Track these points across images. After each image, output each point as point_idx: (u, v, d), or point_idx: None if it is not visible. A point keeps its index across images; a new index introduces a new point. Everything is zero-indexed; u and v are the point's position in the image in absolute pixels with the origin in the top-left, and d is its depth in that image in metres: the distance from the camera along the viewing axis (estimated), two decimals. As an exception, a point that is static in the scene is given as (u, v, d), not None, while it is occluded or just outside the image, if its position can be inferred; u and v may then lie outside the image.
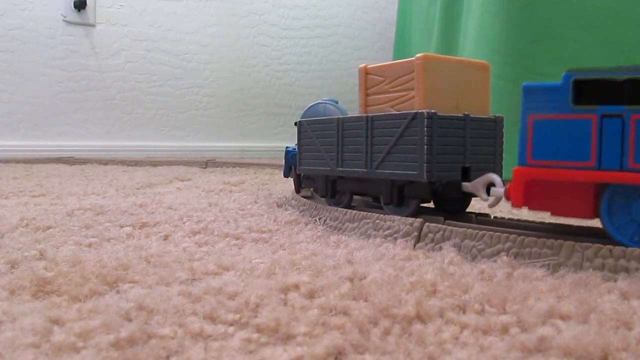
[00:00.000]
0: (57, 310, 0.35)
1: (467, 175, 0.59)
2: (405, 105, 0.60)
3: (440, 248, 0.53)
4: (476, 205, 0.66)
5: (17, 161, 1.67)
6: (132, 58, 2.08)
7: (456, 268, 0.46)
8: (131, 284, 0.41)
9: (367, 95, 0.65)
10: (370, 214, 0.63)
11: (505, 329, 0.33)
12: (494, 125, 0.63)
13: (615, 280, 0.41)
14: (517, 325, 0.33)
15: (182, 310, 0.35)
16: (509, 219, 0.61)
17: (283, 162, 0.97)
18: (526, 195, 0.48)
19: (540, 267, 0.46)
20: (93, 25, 2.01)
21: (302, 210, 0.76)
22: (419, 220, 0.57)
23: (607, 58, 1.20)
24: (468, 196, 0.62)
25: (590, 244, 0.45)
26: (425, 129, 0.56)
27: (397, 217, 0.60)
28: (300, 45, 2.42)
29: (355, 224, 0.64)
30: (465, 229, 0.53)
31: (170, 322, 0.33)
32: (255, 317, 0.34)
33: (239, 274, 0.44)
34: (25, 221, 0.66)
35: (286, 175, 0.92)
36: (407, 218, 0.58)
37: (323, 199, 0.73)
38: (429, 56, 0.59)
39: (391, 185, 0.62)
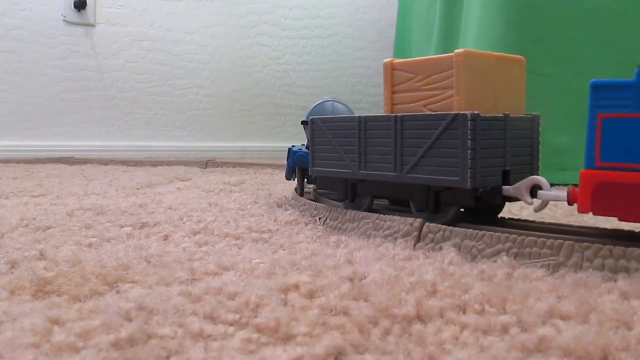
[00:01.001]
0: (57, 310, 0.35)
1: (507, 178, 0.55)
2: (442, 105, 0.55)
3: (440, 248, 0.53)
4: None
5: (17, 161, 1.67)
6: (132, 58, 2.08)
7: (456, 268, 0.46)
8: (131, 284, 0.41)
9: (393, 92, 0.60)
10: (370, 213, 0.63)
11: (505, 329, 0.33)
12: (531, 125, 0.59)
13: (615, 280, 0.41)
14: (517, 325, 0.33)
15: (182, 310, 0.35)
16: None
17: (285, 163, 0.92)
18: (594, 199, 0.45)
19: (540, 267, 0.46)
20: (93, 25, 2.01)
21: (302, 210, 0.76)
22: (419, 220, 0.57)
23: (607, 58, 1.20)
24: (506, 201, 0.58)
25: (590, 244, 0.45)
26: (469, 131, 0.52)
27: (397, 217, 0.60)
28: (300, 45, 2.42)
29: (355, 224, 0.64)
30: (465, 229, 0.53)
31: (170, 322, 0.33)
32: (255, 317, 0.34)
33: (239, 274, 0.44)
34: (25, 221, 0.66)
35: (288, 177, 0.87)
36: (407, 218, 0.58)
37: (340, 202, 0.69)
38: (469, 52, 0.54)
39: (427, 191, 0.57)
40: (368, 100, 2.51)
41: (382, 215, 0.61)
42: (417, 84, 0.58)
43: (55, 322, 0.33)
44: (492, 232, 0.51)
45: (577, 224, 0.57)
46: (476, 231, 0.52)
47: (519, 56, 0.60)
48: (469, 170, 0.52)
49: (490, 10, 1.29)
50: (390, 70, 0.61)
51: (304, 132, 0.91)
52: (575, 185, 0.47)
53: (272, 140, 2.37)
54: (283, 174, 1.52)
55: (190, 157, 1.99)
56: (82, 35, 2.00)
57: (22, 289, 0.39)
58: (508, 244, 0.49)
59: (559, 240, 0.47)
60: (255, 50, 2.32)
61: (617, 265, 0.43)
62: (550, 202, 0.52)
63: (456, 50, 0.54)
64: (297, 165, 0.81)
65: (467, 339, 0.32)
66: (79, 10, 1.97)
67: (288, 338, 0.31)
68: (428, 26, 1.80)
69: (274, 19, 2.35)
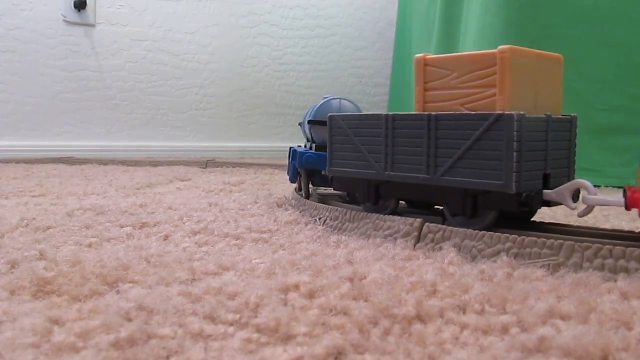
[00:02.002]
0: (57, 310, 0.35)
1: (547, 182, 0.53)
2: (482, 105, 0.52)
3: (440, 248, 0.53)
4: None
5: (17, 161, 1.67)
6: (132, 58, 2.08)
7: (456, 268, 0.46)
8: (131, 284, 0.41)
9: (425, 90, 0.57)
10: (370, 214, 0.63)
11: (505, 329, 0.33)
12: (570, 126, 0.56)
13: (615, 280, 0.41)
14: (517, 325, 0.33)
15: (182, 310, 0.35)
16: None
17: (287, 163, 0.90)
18: None
19: (540, 267, 0.46)
20: (93, 25, 2.01)
21: (302, 210, 0.76)
22: (419, 220, 0.57)
23: (607, 58, 1.20)
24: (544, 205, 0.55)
25: (590, 244, 0.45)
26: (515, 133, 0.49)
27: (397, 217, 0.59)
28: (300, 45, 2.42)
29: (355, 223, 0.64)
30: (465, 229, 0.53)
31: (170, 322, 0.33)
32: (255, 317, 0.34)
33: (239, 274, 0.44)
34: (25, 221, 0.66)
35: (293, 180, 0.84)
36: (407, 218, 0.58)
37: (361, 204, 0.66)
38: (514, 49, 0.52)
39: (464, 195, 0.54)
40: (368, 100, 2.51)
41: (381, 215, 0.61)
42: (454, 81, 0.54)
43: (55, 322, 0.33)
44: (492, 232, 0.51)
45: (576, 224, 0.57)
46: (476, 231, 0.52)
47: (557, 54, 0.57)
48: (514, 173, 0.49)
49: (490, 10, 1.29)
50: (423, 66, 0.57)
51: (302, 133, 0.90)
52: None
53: (272, 140, 2.37)
54: (283, 174, 1.52)
55: (190, 157, 1.99)
56: (82, 35, 2.00)
57: (22, 289, 0.39)
58: (508, 244, 0.49)
59: (559, 241, 0.47)
60: (255, 50, 2.32)
61: (617, 265, 0.43)
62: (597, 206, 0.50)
63: (500, 47, 0.51)
64: (304, 167, 0.77)
65: (467, 339, 0.32)
66: (79, 10, 1.97)
67: (288, 338, 0.31)
68: (428, 26, 1.80)
69: (274, 19, 2.35)
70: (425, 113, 0.56)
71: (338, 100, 0.78)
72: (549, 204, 0.53)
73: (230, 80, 2.28)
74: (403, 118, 0.58)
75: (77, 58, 2.00)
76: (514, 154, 0.49)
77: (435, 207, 0.65)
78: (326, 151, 0.71)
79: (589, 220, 0.69)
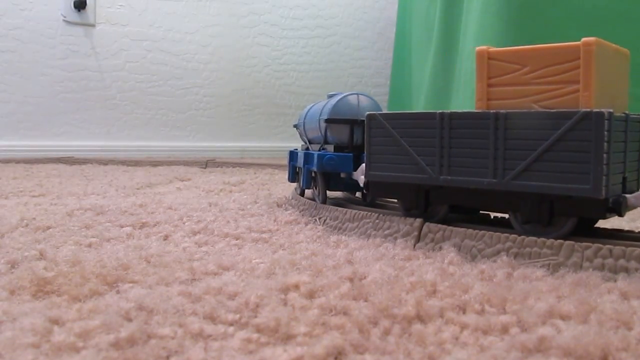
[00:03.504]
0: (57, 310, 0.35)
1: (624, 186, 0.49)
2: (560, 102, 0.48)
3: (440, 248, 0.53)
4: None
5: (17, 161, 1.67)
6: (132, 58, 2.08)
7: (456, 268, 0.46)
8: (131, 284, 0.41)
9: (489, 86, 0.52)
10: (370, 213, 0.63)
11: (505, 329, 0.33)
12: None
13: (615, 280, 0.41)
14: (517, 325, 0.33)
15: (182, 310, 0.35)
16: None
17: (288, 165, 0.88)
18: None
19: (540, 267, 0.46)
20: (93, 25, 2.01)
21: (302, 210, 0.76)
22: (419, 220, 0.57)
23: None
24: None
25: (590, 244, 0.45)
26: (606, 132, 0.44)
27: (396, 217, 0.59)
28: (300, 45, 2.42)
29: (355, 223, 0.64)
30: (465, 229, 0.53)
31: (170, 322, 0.33)
32: (255, 317, 0.34)
33: (239, 274, 0.44)
34: (25, 221, 0.66)
35: (308, 186, 0.78)
36: (407, 218, 0.58)
37: (405, 212, 0.60)
38: (600, 41, 0.47)
39: (539, 201, 0.49)
40: (368, 100, 2.51)
41: (382, 215, 0.61)
42: (525, 76, 0.50)
43: (55, 322, 0.33)
44: (492, 232, 0.51)
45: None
46: (476, 231, 0.52)
47: (625, 49, 0.53)
48: (603, 177, 0.44)
49: (490, 10, 1.29)
50: (486, 60, 0.52)
51: (300, 136, 0.88)
52: None
53: (271, 140, 2.37)
54: (283, 174, 1.52)
55: (190, 157, 1.99)
56: (82, 35, 2.00)
57: (22, 289, 0.39)
58: (508, 244, 0.49)
59: (559, 240, 0.47)
60: (255, 50, 2.32)
61: (617, 265, 0.43)
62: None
63: (584, 39, 0.46)
64: (325, 170, 0.70)
65: (467, 339, 0.32)
66: (79, 10, 1.97)
67: (288, 338, 0.31)
68: (428, 26, 1.80)
69: (274, 19, 2.35)
70: (492, 111, 0.50)
71: (355, 95, 0.73)
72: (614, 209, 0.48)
73: (230, 80, 2.28)
74: (463, 117, 0.53)
75: (77, 58, 2.00)
76: (604, 155, 0.44)
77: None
78: (346, 152, 0.68)
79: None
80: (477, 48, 0.53)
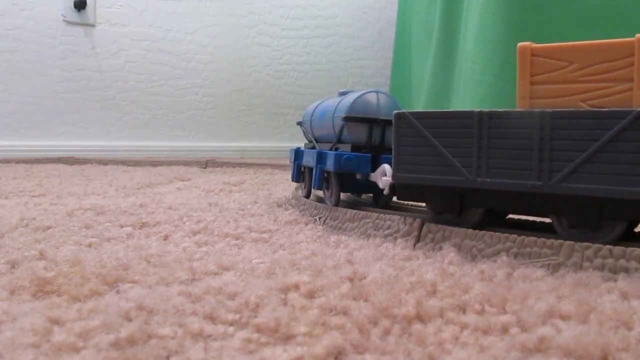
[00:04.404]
0: (57, 310, 0.35)
1: None
2: (610, 101, 0.46)
3: (440, 248, 0.53)
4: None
5: (17, 161, 1.67)
6: (132, 58, 2.08)
7: (456, 268, 0.46)
8: (131, 284, 0.41)
9: (531, 84, 0.50)
10: (370, 213, 0.63)
11: (505, 329, 0.33)
12: None
13: (615, 280, 0.41)
14: (517, 325, 0.33)
15: (182, 310, 0.35)
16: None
17: (292, 165, 0.85)
18: None
19: (540, 267, 0.46)
20: (93, 25, 2.01)
21: (302, 210, 0.76)
22: (419, 219, 0.57)
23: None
24: None
25: (590, 244, 0.45)
26: None
27: (396, 217, 0.59)
28: (300, 45, 2.42)
29: (355, 223, 0.64)
30: (465, 229, 0.53)
31: (170, 322, 0.33)
32: (255, 317, 0.34)
33: (239, 274, 0.44)
34: (25, 221, 0.66)
35: (320, 186, 0.73)
36: (407, 218, 0.58)
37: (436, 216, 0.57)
38: None
39: (588, 204, 0.46)
40: (368, 100, 2.51)
41: (382, 214, 0.61)
42: (572, 74, 0.47)
43: (55, 322, 0.33)
44: (492, 232, 0.51)
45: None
46: (476, 231, 0.52)
47: None
48: None
49: (490, 10, 1.29)
50: (529, 56, 0.49)
51: (304, 134, 0.86)
52: None
53: (272, 140, 2.38)
54: (283, 174, 1.52)
55: (190, 157, 1.99)
56: (82, 35, 2.00)
57: (22, 289, 0.39)
58: (508, 244, 0.49)
59: (559, 240, 0.47)
60: (255, 50, 2.32)
61: (617, 265, 0.43)
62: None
63: (639, 35, 0.44)
64: (342, 171, 0.66)
65: (467, 339, 0.32)
66: (79, 10, 1.97)
67: (288, 338, 0.31)
68: (428, 26, 1.80)
69: (274, 19, 2.35)
70: (537, 110, 0.47)
71: (374, 93, 0.69)
72: None
73: (230, 80, 2.28)
74: (504, 116, 0.49)
75: (77, 58, 2.00)
76: None
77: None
78: (363, 152, 0.66)
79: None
80: (519, 44, 0.50)
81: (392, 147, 0.58)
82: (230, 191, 1.09)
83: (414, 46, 2.00)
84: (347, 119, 0.67)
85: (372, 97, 0.69)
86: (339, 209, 0.67)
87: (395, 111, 0.57)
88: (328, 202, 0.71)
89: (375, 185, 0.65)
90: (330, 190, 0.72)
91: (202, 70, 2.22)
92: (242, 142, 2.32)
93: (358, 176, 0.67)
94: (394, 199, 0.72)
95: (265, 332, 0.32)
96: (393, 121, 0.57)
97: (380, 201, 0.73)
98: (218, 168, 1.68)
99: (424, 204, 0.63)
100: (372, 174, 0.65)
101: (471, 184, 0.52)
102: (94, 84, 2.03)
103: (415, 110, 0.56)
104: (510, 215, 0.61)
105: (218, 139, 2.27)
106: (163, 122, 2.16)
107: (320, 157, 0.71)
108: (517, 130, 0.49)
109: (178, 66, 2.17)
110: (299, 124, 0.88)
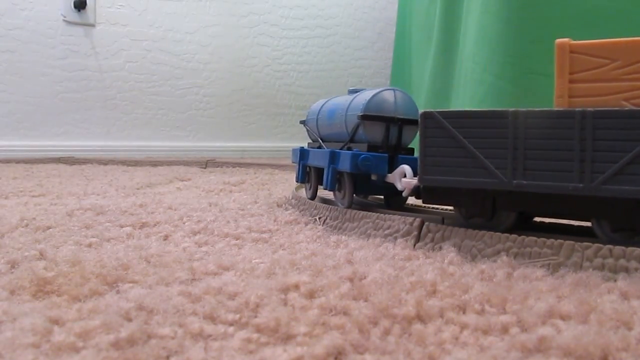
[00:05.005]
0: (57, 310, 0.35)
1: None
2: None
3: (440, 248, 0.53)
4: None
5: (17, 161, 1.67)
6: (132, 58, 2.08)
7: (456, 268, 0.46)
8: (131, 284, 0.41)
9: (570, 82, 0.48)
10: (370, 213, 0.63)
11: (505, 329, 0.33)
12: None
13: (615, 280, 0.41)
14: (517, 325, 0.33)
15: (182, 310, 0.35)
16: None
17: (297, 165, 0.82)
18: None
19: (540, 267, 0.46)
20: (93, 25, 2.01)
21: (302, 210, 0.76)
22: (419, 219, 0.57)
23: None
24: None
25: (590, 244, 0.45)
26: None
27: (396, 217, 0.59)
28: (300, 45, 2.42)
29: (355, 223, 0.64)
30: (465, 229, 0.53)
31: (170, 322, 0.33)
32: (255, 317, 0.34)
33: (239, 274, 0.44)
34: (25, 221, 0.66)
35: (332, 188, 0.70)
36: (407, 217, 0.58)
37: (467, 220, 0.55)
38: None
39: (635, 207, 0.45)
40: (368, 100, 2.51)
41: (381, 214, 0.61)
42: (615, 71, 0.46)
43: (55, 322, 0.33)
44: (492, 232, 0.51)
45: (577, 223, 0.57)
46: (476, 231, 0.52)
47: None
48: None
49: (490, 10, 1.29)
50: (567, 53, 0.47)
51: (307, 133, 0.84)
52: None
53: (272, 140, 2.38)
54: (283, 174, 1.52)
55: (190, 157, 1.99)
56: (82, 35, 2.00)
57: (22, 289, 0.39)
58: (508, 244, 0.49)
59: (559, 240, 0.47)
60: (255, 50, 2.32)
61: (617, 265, 0.43)
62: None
63: None
64: (359, 171, 0.64)
65: (467, 339, 0.32)
66: (79, 10, 1.97)
67: (288, 338, 0.31)
68: (428, 26, 1.80)
69: (274, 19, 2.35)
70: (577, 109, 0.45)
71: (392, 91, 0.66)
72: None
73: (230, 80, 2.28)
74: (541, 115, 0.48)
75: (77, 58, 2.00)
76: None
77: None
78: (380, 152, 0.64)
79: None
80: (558, 40, 0.48)
81: (419, 147, 0.55)
82: (230, 191, 1.09)
83: (414, 46, 2.00)
84: (364, 118, 0.65)
85: (389, 95, 0.66)
86: (339, 208, 0.67)
87: (422, 110, 0.54)
88: (339, 204, 0.69)
89: (387, 186, 0.64)
90: (342, 191, 0.69)
91: (202, 70, 2.22)
92: (242, 142, 2.32)
93: (373, 177, 0.65)
94: (408, 200, 0.71)
95: (265, 332, 0.32)
96: (419, 121, 0.54)
97: (394, 203, 0.71)
98: (218, 168, 1.68)
99: (449, 207, 0.61)
100: (390, 175, 0.63)
101: (506, 186, 0.49)
102: (94, 84, 2.03)
103: (444, 110, 0.54)
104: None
105: (218, 139, 2.27)
106: (163, 122, 2.16)
107: (334, 157, 0.68)
108: (556, 130, 0.47)
109: (178, 66, 2.17)
110: (303, 122, 0.86)
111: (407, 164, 0.62)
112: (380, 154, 0.64)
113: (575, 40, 0.47)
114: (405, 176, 0.61)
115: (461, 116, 0.52)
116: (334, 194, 0.72)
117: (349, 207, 0.67)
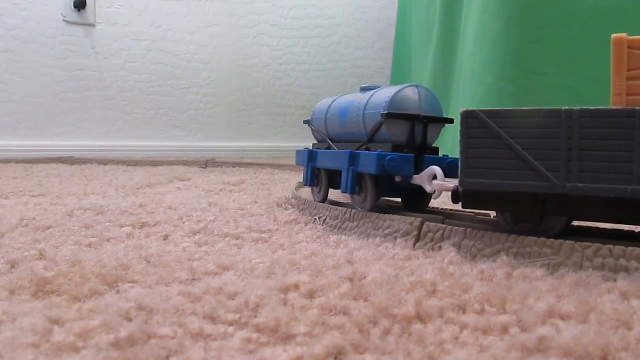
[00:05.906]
0: (57, 310, 0.35)
1: None
2: None
3: (440, 248, 0.53)
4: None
5: (17, 161, 1.67)
6: (132, 58, 2.08)
7: (456, 268, 0.46)
8: (131, 284, 0.41)
9: (628, 79, 0.45)
10: (370, 213, 0.63)
11: (505, 329, 0.33)
12: None
13: (615, 280, 0.41)
14: (517, 325, 0.33)
15: (182, 310, 0.35)
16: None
17: (305, 167, 0.78)
18: None
19: (540, 267, 0.46)
20: (93, 25, 2.01)
21: (302, 210, 0.76)
22: (419, 219, 0.57)
23: (607, 58, 1.20)
24: None
25: (590, 244, 0.45)
26: None
27: (396, 217, 0.59)
28: (300, 45, 2.42)
29: (355, 223, 0.64)
30: (465, 229, 0.53)
31: (170, 322, 0.33)
32: (255, 317, 0.34)
33: (239, 274, 0.44)
34: (25, 221, 0.66)
35: (353, 192, 0.66)
36: (407, 217, 0.58)
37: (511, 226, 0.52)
38: None
39: None
40: (368, 100, 2.51)
41: (381, 214, 0.61)
42: None
43: (55, 322, 0.33)
44: (492, 232, 0.51)
45: (577, 224, 0.57)
46: (476, 231, 0.52)
47: None
48: None
49: (490, 10, 1.29)
50: (625, 49, 0.45)
51: (313, 133, 0.81)
52: None
53: (272, 140, 2.38)
54: (283, 174, 1.52)
55: (190, 157, 1.99)
56: (82, 35, 2.00)
57: (22, 289, 0.39)
58: (508, 244, 0.49)
59: (559, 240, 0.47)
60: (255, 50, 2.32)
61: (617, 265, 0.43)
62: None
63: None
64: (384, 173, 0.60)
65: (467, 339, 0.32)
66: (79, 10, 1.97)
67: (288, 338, 0.31)
68: (428, 26, 1.80)
69: (274, 19, 2.36)
70: (638, 108, 0.43)
71: (415, 88, 0.63)
72: None
73: (230, 80, 2.28)
74: (597, 114, 0.45)
75: (77, 58, 2.00)
76: None
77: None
78: (405, 152, 0.61)
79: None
80: (614, 36, 0.45)
81: (460, 149, 0.52)
82: (230, 191, 1.09)
83: (414, 46, 2.00)
84: (389, 116, 0.61)
85: (412, 92, 0.63)
86: (339, 208, 0.67)
87: (464, 109, 0.51)
88: (359, 208, 0.66)
89: (409, 188, 0.61)
90: (364, 194, 0.65)
91: (202, 70, 2.22)
92: (242, 142, 2.32)
93: (397, 179, 0.62)
94: (430, 203, 0.69)
95: (265, 332, 0.32)
96: (460, 121, 0.51)
97: (416, 205, 0.68)
98: (218, 168, 1.68)
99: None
100: (417, 176, 0.60)
101: (559, 189, 0.46)
102: (94, 84, 2.03)
103: (488, 109, 0.50)
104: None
105: (218, 139, 2.27)
106: (163, 122, 2.16)
107: (354, 159, 0.65)
108: (615, 130, 0.44)
109: (178, 66, 2.17)
110: (307, 122, 0.83)
111: (436, 165, 0.59)
112: (407, 155, 0.61)
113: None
114: (435, 178, 0.58)
115: (508, 116, 0.49)
116: (352, 198, 0.68)
117: (371, 210, 0.64)
